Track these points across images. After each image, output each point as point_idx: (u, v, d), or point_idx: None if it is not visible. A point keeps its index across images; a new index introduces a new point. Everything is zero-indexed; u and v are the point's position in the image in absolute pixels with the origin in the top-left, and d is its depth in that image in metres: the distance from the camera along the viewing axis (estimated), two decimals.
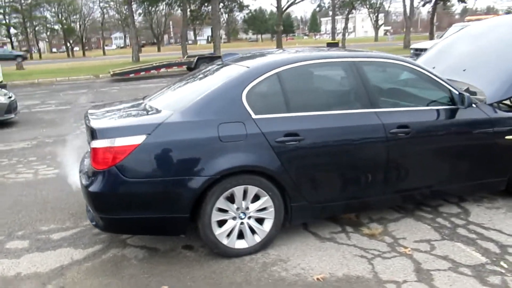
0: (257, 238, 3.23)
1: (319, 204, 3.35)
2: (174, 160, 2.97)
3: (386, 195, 3.56)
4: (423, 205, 4.02)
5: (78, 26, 60.83)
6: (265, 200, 3.18)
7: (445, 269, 2.97)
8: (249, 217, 3.20)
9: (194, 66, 18.25)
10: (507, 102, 4.29)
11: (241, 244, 3.20)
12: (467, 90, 4.14)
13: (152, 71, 19.30)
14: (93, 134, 3.00)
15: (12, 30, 53.83)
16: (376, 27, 63.75)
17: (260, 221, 3.24)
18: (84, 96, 13.60)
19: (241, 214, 3.17)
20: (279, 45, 31.42)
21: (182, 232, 3.10)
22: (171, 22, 70.70)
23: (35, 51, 61.52)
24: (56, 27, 58.92)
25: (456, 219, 3.73)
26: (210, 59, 18.28)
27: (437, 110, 3.63)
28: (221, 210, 3.09)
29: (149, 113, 3.32)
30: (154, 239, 3.50)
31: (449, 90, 3.68)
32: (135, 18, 36.09)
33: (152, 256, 3.29)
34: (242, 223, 3.19)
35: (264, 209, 3.21)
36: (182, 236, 3.18)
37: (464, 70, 4.43)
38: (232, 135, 3.04)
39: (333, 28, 40.56)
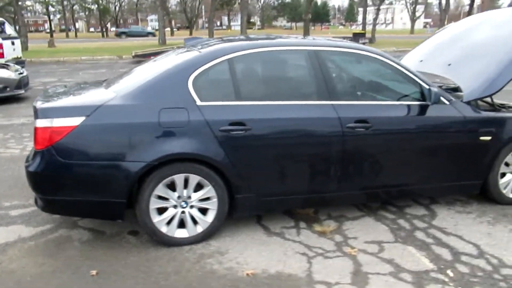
0: (199, 229, 3.16)
1: (267, 197, 3.24)
2: (111, 144, 2.92)
3: (344, 191, 3.40)
4: (390, 205, 3.84)
5: (113, 7, 61.83)
6: (208, 190, 3.09)
7: (385, 273, 2.81)
8: (191, 207, 3.13)
9: None
10: (489, 100, 4.01)
11: (181, 234, 3.14)
12: (458, 88, 3.91)
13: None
14: (35, 113, 2.98)
15: (51, 9, 55.29)
16: (413, 19, 61.54)
17: (203, 211, 3.16)
18: (102, 75, 13.77)
19: (183, 203, 3.10)
20: (306, 34, 30.85)
21: (120, 218, 3.06)
22: (203, 7, 70.72)
23: (73, 30, 63.13)
24: (93, 7, 60.11)
25: (419, 221, 3.54)
26: None
27: (403, 105, 3.43)
28: (160, 197, 3.03)
29: (95, 95, 3.28)
30: (104, 223, 3.49)
31: (420, 85, 3.46)
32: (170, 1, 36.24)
33: (96, 239, 3.28)
34: (183, 212, 3.12)
35: (207, 199, 3.12)
36: (120, 221, 3.13)
37: (449, 65, 4.17)
38: (172, 121, 2.96)
39: (364, 18, 39.43)
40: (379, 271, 2.84)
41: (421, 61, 4.65)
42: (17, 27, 23.69)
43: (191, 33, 57.01)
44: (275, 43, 3.37)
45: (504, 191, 3.81)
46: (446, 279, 2.75)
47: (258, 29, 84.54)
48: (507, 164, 3.75)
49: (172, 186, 3.04)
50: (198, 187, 3.10)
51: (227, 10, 77.87)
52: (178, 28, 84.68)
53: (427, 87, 3.40)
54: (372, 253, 3.05)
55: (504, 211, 3.74)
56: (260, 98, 3.17)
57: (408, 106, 3.42)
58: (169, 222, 3.10)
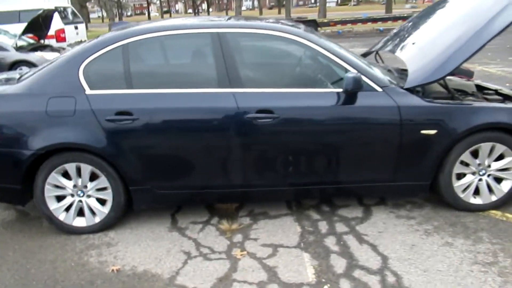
0: (97, 219, 3.15)
1: (164, 190, 3.10)
2: (4, 132, 3.00)
3: (257, 187, 3.13)
4: (327, 204, 3.45)
5: None
6: (102, 180, 3.05)
7: (254, 282, 2.54)
8: (88, 196, 3.11)
9: None
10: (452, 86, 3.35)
11: (80, 222, 3.15)
12: None
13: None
14: None
15: None
16: None
17: (102, 201, 3.13)
18: None
19: (79, 192, 3.10)
20: (389, 9, 28.71)
21: (19, 203, 3.16)
22: None
23: (174, 11, 66.37)
24: None
25: (343, 225, 3.13)
26: (296, 23, 17.67)
27: (318, 93, 3.00)
28: (56, 186, 3.06)
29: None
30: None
31: (346, 70, 3.01)
32: None
33: (17, 220, 3.43)
34: (81, 201, 3.12)
35: (104, 189, 3.09)
36: (21, 207, 3.24)
37: (413, 44, 3.56)
38: (59, 110, 2.94)
39: None
40: (249, 279, 2.57)
41: (414, 43, 4.03)
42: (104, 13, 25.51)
43: (279, 12, 56.54)
44: (176, 26, 3.13)
45: (461, 195, 3.20)
46: None
47: (354, 5, 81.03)
48: (465, 164, 3.13)
49: (68, 175, 3.05)
50: (95, 176, 3.07)
51: None
52: (272, 7, 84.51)
53: (350, 72, 2.93)
54: (258, 258, 2.78)
55: (455, 219, 3.15)
56: (152, 86, 3.00)
57: (324, 94, 2.99)
58: (67, 210, 3.13)
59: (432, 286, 2.43)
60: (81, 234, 3.15)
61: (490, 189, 3.21)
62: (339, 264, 2.68)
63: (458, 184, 3.17)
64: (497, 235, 2.91)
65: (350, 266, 2.65)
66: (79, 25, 13.32)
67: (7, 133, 2.99)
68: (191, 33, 3.08)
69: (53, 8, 10.66)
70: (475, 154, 3.11)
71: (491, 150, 3.10)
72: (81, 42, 12.96)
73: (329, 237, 2.98)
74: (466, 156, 3.09)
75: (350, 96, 2.96)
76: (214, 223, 3.25)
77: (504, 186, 3.20)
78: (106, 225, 3.17)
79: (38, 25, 9.73)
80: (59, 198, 3.12)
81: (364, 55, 4.39)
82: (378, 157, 3.07)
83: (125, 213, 3.20)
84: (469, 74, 4.21)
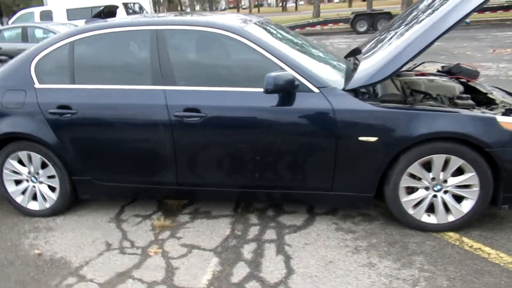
0: (47, 204, 3.35)
1: (104, 182, 3.19)
2: None
3: (185, 186, 3.09)
4: (272, 209, 3.29)
5: None
6: (50, 168, 3.24)
7: (149, 281, 2.53)
8: (40, 182, 3.33)
9: (350, 23, 17.33)
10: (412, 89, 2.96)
11: (33, 206, 3.38)
12: None
13: (316, 27, 19.22)
14: None
15: None
16: None
17: (53, 188, 3.33)
18: None
19: (33, 178, 3.32)
20: None
21: None
22: None
23: (266, 5, 67.24)
24: None
25: (273, 232, 2.97)
26: (369, 15, 16.96)
27: (246, 92, 2.85)
28: (13, 171, 3.32)
29: None
30: None
31: (281, 69, 2.82)
32: None
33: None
34: (34, 186, 3.34)
35: (53, 177, 3.27)
36: None
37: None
38: (11, 102, 3.17)
39: None
40: (144, 277, 2.56)
41: (377, 44, 3.69)
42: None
43: (350, 5, 54.33)
44: (120, 23, 3.16)
45: (411, 212, 2.84)
46: None
47: None
48: (415, 177, 2.77)
49: (22, 162, 3.29)
50: (45, 164, 3.26)
51: None
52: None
53: (282, 70, 2.75)
54: (168, 257, 2.75)
55: (399, 238, 2.81)
56: (92, 82, 3.09)
57: (255, 94, 2.83)
58: (24, 194, 3.38)
59: None
60: (34, 216, 3.38)
61: (447, 208, 2.81)
62: (240, 273, 2.55)
63: (406, 199, 2.82)
64: (434, 261, 2.55)
65: (248, 276, 2.50)
66: None
67: None
68: (132, 31, 3.11)
69: (119, 4, 11.40)
70: (428, 167, 2.74)
71: (446, 163, 2.70)
72: None
73: (250, 244, 2.84)
74: (415, 168, 2.74)
75: (285, 96, 2.77)
76: (154, 218, 3.28)
77: (464, 206, 2.78)
78: (55, 211, 3.35)
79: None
80: (18, 182, 3.37)
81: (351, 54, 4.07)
82: (314, 164, 2.84)
83: (73, 201, 3.35)
84: (473, 75, 3.71)
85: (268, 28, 3.33)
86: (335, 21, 18.75)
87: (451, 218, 2.81)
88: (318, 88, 2.78)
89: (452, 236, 2.80)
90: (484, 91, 3.28)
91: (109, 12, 10.60)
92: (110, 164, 3.13)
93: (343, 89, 2.78)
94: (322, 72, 2.94)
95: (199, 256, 2.75)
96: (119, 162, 3.11)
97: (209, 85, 2.92)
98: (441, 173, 2.73)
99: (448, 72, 3.77)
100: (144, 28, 3.07)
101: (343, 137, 2.74)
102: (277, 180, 2.93)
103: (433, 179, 2.76)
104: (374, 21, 16.87)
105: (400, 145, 2.68)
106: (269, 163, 2.89)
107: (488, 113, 2.69)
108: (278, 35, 3.33)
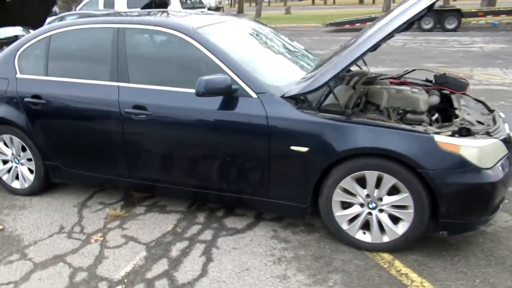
0: (26, 184, 3.66)
1: (71, 169, 3.43)
2: None
3: (138, 180, 3.23)
4: (224, 210, 3.33)
5: None
6: (28, 152, 3.54)
7: (76, 266, 2.71)
8: (22, 164, 3.65)
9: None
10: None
11: (16, 185, 3.71)
12: None
13: (368, 23, 18.49)
14: None
15: None
16: None
17: (31, 170, 3.63)
18: None
19: (16, 160, 3.65)
20: None
21: None
22: None
23: None
24: None
25: (211, 233, 3.01)
26: (437, 12, 15.95)
27: (188, 94, 2.89)
28: (0, 152, 3.67)
29: None
30: None
31: (226, 73, 2.83)
32: None
33: None
34: (17, 167, 3.67)
35: (30, 159, 3.58)
36: None
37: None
38: None
39: None
40: (73, 262, 2.74)
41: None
42: None
43: None
44: (89, 20, 3.32)
45: (345, 227, 2.74)
46: None
47: None
48: (349, 192, 2.66)
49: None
50: (24, 148, 3.57)
51: None
52: None
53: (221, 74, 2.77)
54: (105, 246, 2.91)
55: (328, 253, 2.73)
56: (61, 74, 3.31)
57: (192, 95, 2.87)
58: (8, 173, 3.72)
59: None
60: (16, 194, 3.71)
61: (382, 228, 2.68)
62: (158, 269, 2.64)
63: (339, 214, 2.73)
64: (350, 282, 2.45)
65: (163, 274, 2.59)
66: (204, 10, 14.44)
67: None
68: (98, 28, 3.28)
69: None
70: (363, 183, 2.63)
71: (380, 180, 2.57)
72: None
73: (183, 242, 2.91)
74: (347, 183, 2.63)
75: (226, 100, 2.78)
76: (116, 207, 3.46)
77: (400, 228, 2.63)
78: (33, 191, 3.66)
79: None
80: (4, 162, 3.72)
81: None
82: (251, 170, 2.84)
83: (48, 183, 3.62)
84: (459, 86, 3.46)
85: (241, 29, 3.35)
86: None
87: (385, 239, 2.68)
88: (256, 93, 2.76)
89: (385, 257, 2.66)
90: (456, 105, 3.04)
91: (160, 2, 11.03)
92: (74, 153, 3.36)
93: (281, 96, 2.73)
94: (269, 78, 2.90)
95: (132, 248, 2.87)
96: (81, 152, 3.32)
97: (157, 84, 3.01)
98: (376, 190, 2.60)
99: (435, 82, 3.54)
100: (108, 26, 3.22)
101: (276, 145, 2.71)
102: (220, 183, 2.97)
103: (367, 195, 2.64)
104: (441, 19, 15.77)
105: (328, 158, 2.60)
106: (212, 166, 2.94)
107: (429, 131, 2.50)
108: (249, 37, 3.33)
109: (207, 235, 2.99)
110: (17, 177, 3.70)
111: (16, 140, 3.53)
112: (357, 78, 3.31)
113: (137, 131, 3.04)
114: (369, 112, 2.81)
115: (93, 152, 3.27)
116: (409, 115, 2.78)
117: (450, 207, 2.49)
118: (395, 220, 2.65)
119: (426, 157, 2.43)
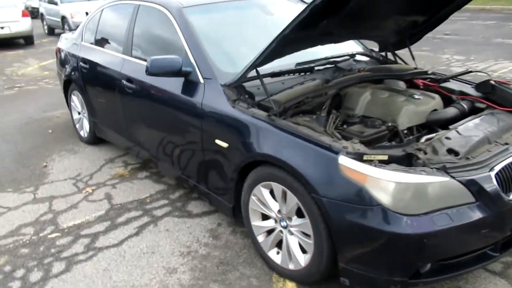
0: (86, 134, 4.37)
1: (102, 126, 3.95)
2: None
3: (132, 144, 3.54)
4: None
5: None
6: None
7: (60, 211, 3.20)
8: (84, 118, 4.36)
9: None
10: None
11: (82, 133, 4.46)
12: None
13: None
14: None
15: None
16: None
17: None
18: (483, 28, 12.33)
19: (82, 112, 4.39)
20: None
21: None
22: None
23: None
24: None
25: (166, 209, 3.07)
26: None
27: None
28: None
29: None
30: None
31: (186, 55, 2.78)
32: None
33: None
34: (81, 119, 4.41)
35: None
36: None
37: None
38: None
39: None
40: (58, 207, 3.22)
41: None
42: None
43: None
44: None
45: (260, 240, 2.42)
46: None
47: None
48: (263, 203, 2.34)
49: None
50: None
51: None
52: None
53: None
54: (87, 200, 3.28)
55: (238, 262, 2.47)
56: (100, 45, 3.80)
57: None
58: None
59: None
60: (81, 141, 4.45)
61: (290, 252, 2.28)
62: (95, 229, 2.88)
63: (257, 224, 2.43)
64: None
65: (94, 234, 2.82)
66: None
67: None
68: (127, 4, 3.56)
69: None
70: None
71: (285, 196, 2.18)
72: None
73: (138, 211, 3.07)
74: (259, 192, 2.32)
75: (185, 82, 2.72)
76: (130, 168, 3.82)
77: (305, 258, 2.19)
78: (90, 141, 4.34)
79: None
80: (79, 113, 4.50)
81: None
82: (192, 156, 2.77)
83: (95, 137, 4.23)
84: (508, 100, 2.57)
85: (248, 11, 3.21)
86: None
87: (291, 266, 2.27)
88: (203, 78, 2.62)
89: (288, 286, 2.27)
90: (459, 122, 2.27)
91: None
92: (103, 114, 3.83)
93: (223, 84, 2.52)
94: (232, 65, 2.67)
95: (99, 206, 3.19)
96: (105, 113, 3.78)
97: (143, 59, 3.15)
98: (284, 207, 2.22)
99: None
100: (132, 2, 3.48)
101: (205, 135, 2.56)
102: (169, 160, 3.04)
103: (279, 211, 2.27)
104: None
105: (243, 160, 2.32)
106: (164, 144, 3.01)
107: (340, 148, 1.95)
108: (250, 21, 3.16)
109: (162, 211, 3.07)
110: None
111: (79, 96, 4.22)
112: (357, 76, 2.73)
113: (129, 103, 3.32)
114: (305, 116, 2.34)
115: (111, 115, 3.67)
116: (348, 127, 2.21)
117: (348, 251, 1.94)
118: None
119: (323, 180, 1.94)
